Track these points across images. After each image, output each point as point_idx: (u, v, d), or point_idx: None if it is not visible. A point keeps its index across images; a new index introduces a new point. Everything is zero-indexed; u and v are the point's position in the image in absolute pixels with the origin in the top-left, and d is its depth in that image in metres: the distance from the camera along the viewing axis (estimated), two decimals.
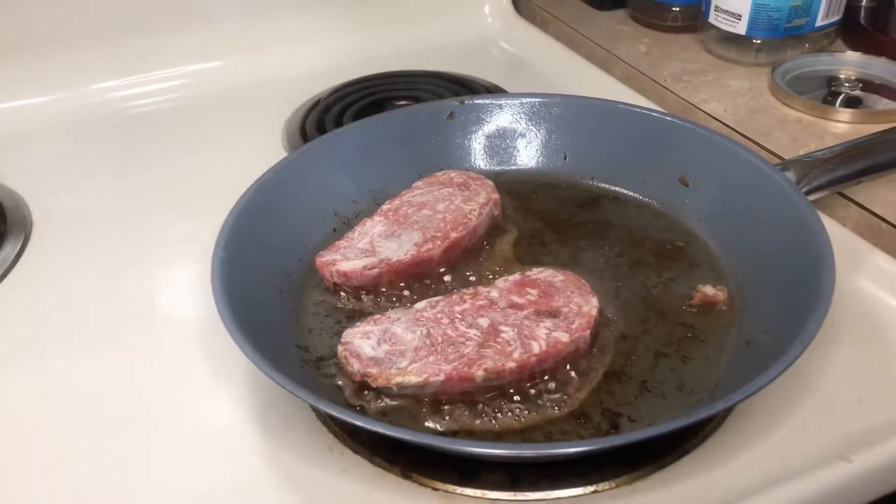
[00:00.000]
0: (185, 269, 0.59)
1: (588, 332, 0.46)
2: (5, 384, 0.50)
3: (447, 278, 0.54)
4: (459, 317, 0.47)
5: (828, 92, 0.73)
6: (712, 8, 0.77)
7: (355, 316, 0.51)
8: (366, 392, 0.44)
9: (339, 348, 0.46)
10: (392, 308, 0.51)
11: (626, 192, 0.61)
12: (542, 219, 0.59)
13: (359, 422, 0.38)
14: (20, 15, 0.78)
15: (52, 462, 0.45)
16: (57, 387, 0.50)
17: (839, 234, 0.55)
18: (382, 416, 0.43)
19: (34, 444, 0.46)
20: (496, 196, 0.58)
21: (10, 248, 0.62)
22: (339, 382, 0.46)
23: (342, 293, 0.52)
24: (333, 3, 0.90)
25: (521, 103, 0.64)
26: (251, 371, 0.47)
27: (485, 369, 0.43)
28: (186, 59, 0.86)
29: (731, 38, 0.78)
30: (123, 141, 0.77)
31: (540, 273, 0.50)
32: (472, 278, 0.54)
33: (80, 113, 0.80)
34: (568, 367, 0.46)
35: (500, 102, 0.64)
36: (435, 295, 0.52)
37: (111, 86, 0.83)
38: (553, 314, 0.47)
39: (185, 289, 0.57)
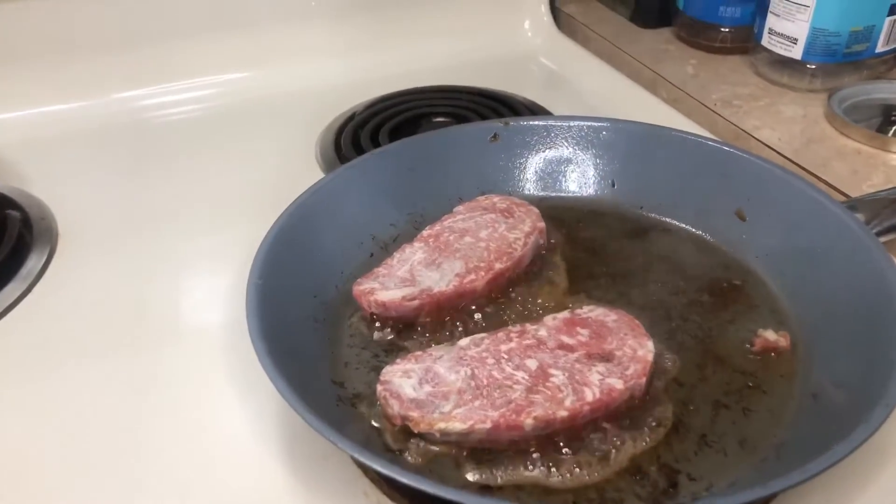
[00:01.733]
0: (213, 282, 0.58)
1: (644, 378, 0.43)
2: (31, 394, 0.49)
3: (490, 311, 0.51)
4: (506, 357, 0.44)
5: (883, 121, 0.70)
6: (766, 30, 0.74)
7: (393, 349, 0.48)
8: (406, 436, 0.42)
9: (379, 387, 0.43)
10: (432, 342, 0.49)
11: (677, 223, 0.58)
12: (589, 249, 0.56)
13: (400, 477, 0.35)
14: (49, 22, 0.77)
15: (72, 472, 0.44)
16: (81, 398, 0.48)
17: None
18: (424, 463, 0.41)
19: (56, 454, 0.45)
20: (542, 224, 0.55)
21: (37, 259, 0.60)
22: (377, 424, 0.43)
23: (380, 324, 0.50)
24: (369, 15, 0.88)
25: (569, 126, 0.61)
26: (282, 400, 0.45)
27: (534, 418, 0.40)
28: (218, 68, 0.84)
29: (784, 62, 0.75)
30: (151, 150, 0.75)
31: (591, 312, 0.47)
32: (518, 312, 0.51)
33: (107, 120, 0.79)
34: (621, 415, 0.43)
35: (546, 125, 0.62)
36: (477, 329, 0.50)
37: (140, 94, 0.81)
38: (606, 358, 0.44)
39: (212, 302, 0.56)
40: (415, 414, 0.41)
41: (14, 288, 0.57)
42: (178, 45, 0.82)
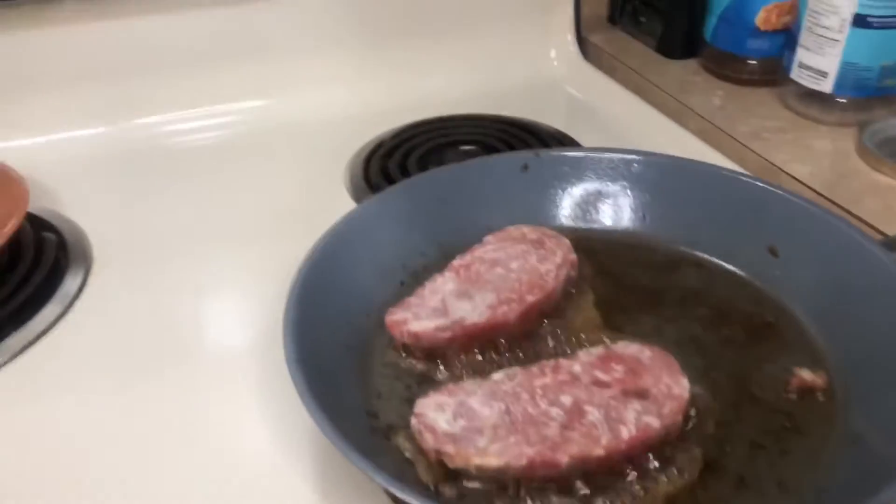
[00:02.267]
0: (246, 303, 0.58)
1: (680, 416, 0.43)
2: (70, 413, 0.49)
3: (522, 343, 0.51)
4: (540, 392, 0.44)
5: None
6: (795, 63, 0.75)
7: (425, 381, 0.48)
8: (441, 470, 0.42)
9: (413, 420, 0.43)
10: (464, 373, 0.49)
11: (709, 258, 0.57)
12: (620, 282, 0.56)
13: None
14: (77, 49, 0.78)
15: (108, 492, 0.44)
16: (116, 418, 0.49)
17: None
18: (459, 499, 0.40)
19: (92, 473, 0.45)
20: (573, 257, 0.55)
21: (73, 282, 0.61)
22: (410, 456, 0.43)
23: (411, 354, 0.50)
24: (395, 43, 0.89)
25: (600, 158, 0.61)
26: (314, 428, 0.45)
27: (570, 455, 0.40)
28: (245, 94, 0.85)
29: (813, 96, 0.75)
30: (179, 174, 0.76)
31: (626, 348, 0.47)
32: (550, 346, 0.51)
33: (136, 145, 0.79)
34: (657, 454, 0.42)
35: (577, 156, 0.62)
36: (509, 361, 0.50)
37: (167, 119, 0.82)
38: (641, 395, 0.44)
39: (245, 323, 0.56)
40: (450, 449, 0.41)
41: (52, 309, 0.58)
42: (206, 72, 0.83)
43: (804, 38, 0.73)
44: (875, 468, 0.38)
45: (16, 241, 0.62)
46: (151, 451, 0.47)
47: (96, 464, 0.46)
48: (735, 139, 0.74)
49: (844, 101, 0.73)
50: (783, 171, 0.68)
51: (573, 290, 0.55)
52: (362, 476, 0.42)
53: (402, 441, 0.44)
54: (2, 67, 0.75)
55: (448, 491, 0.41)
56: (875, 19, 0.68)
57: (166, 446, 0.47)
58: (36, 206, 0.68)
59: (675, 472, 0.42)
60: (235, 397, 0.50)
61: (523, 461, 0.40)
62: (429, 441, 0.42)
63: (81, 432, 0.48)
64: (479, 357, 0.50)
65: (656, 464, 0.42)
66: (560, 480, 0.41)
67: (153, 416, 0.49)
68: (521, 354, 0.50)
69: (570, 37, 0.95)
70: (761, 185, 0.57)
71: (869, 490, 0.35)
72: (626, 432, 0.41)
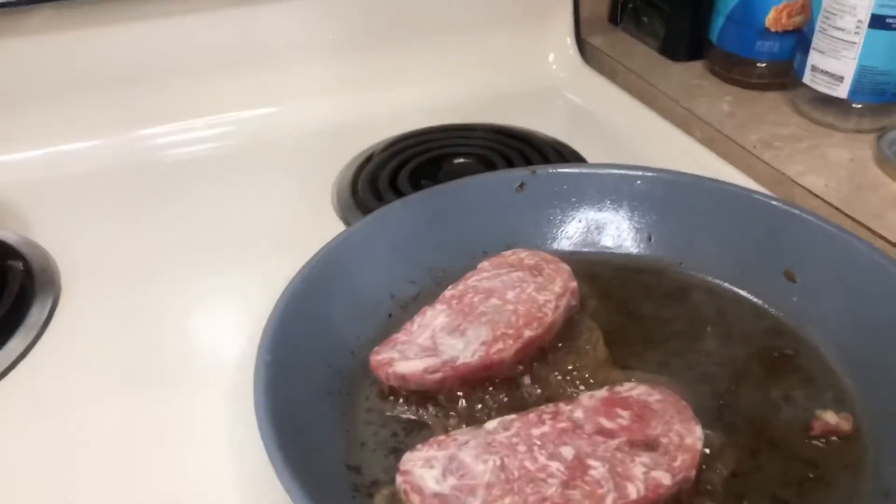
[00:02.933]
0: (222, 327, 0.55)
1: (693, 471, 0.39)
2: (41, 444, 0.47)
3: (519, 383, 0.47)
4: (538, 443, 0.40)
5: None
6: (808, 67, 0.70)
7: (414, 428, 0.44)
8: None
9: (399, 479, 0.39)
10: (456, 419, 0.45)
11: (720, 283, 0.53)
12: (624, 311, 0.52)
13: None
14: (55, 59, 0.74)
15: None
16: (90, 447, 0.46)
17: None
18: None
19: (65, 499, 0.43)
20: (574, 285, 0.51)
21: (40, 312, 0.57)
22: None
23: (398, 398, 0.46)
24: (388, 49, 0.84)
25: (601, 175, 0.57)
26: None
27: None
28: (230, 106, 0.81)
29: (827, 101, 0.70)
30: (160, 190, 0.72)
31: (631, 390, 0.43)
32: (549, 385, 0.47)
33: (116, 160, 0.75)
34: None
35: (576, 173, 0.58)
36: (506, 403, 0.46)
37: (149, 133, 0.78)
38: (650, 446, 0.40)
39: (222, 346, 0.53)
40: None
41: (18, 343, 0.54)
42: (189, 84, 0.79)
43: (817, 40, 0.68)
44: None
45: None
46: (127, 476, 0.44)
47: (71, 489, 0.44)
48: (744, 148, 0.70)
49: (860, 106, 0.68)
50: (797, 183, 0.64)
51: (573, 321, 0.51)
52: None
53: (386, 499, 0.40)
54: None
55: None
56: (894, 20, 0.63)
57: (141, 470, 0.44)
58: (1, 231, 0.65)
59: None
60: (214, 419, 0.47)
61: None
62: (415, 503, 0.38)
63: (49, 470, 0.45)
64: (472, 399, 0.46)
65: None
66: None
67: (127, 443, 0.46)
68: (518, 395, 0.46)
69: (570, 39, 0.90)
70: (776, 203, 0.52)
71: None
72: (634, 491, 0.37)
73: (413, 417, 0.45)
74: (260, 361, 0.41)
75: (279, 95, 0.82)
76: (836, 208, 0.60)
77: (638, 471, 0.38)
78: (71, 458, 0.46)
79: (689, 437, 0.40)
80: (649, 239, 0.56)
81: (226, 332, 0.55)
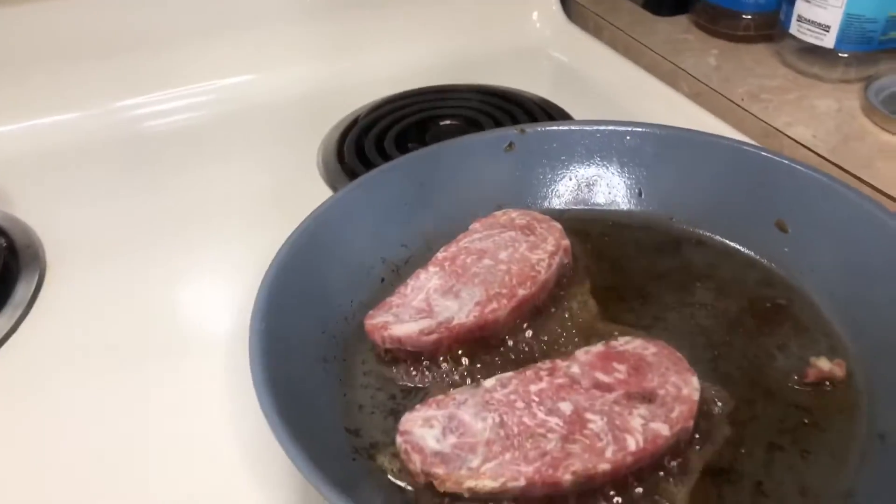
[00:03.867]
0: (212, 296, 0.55)
1: (691, 421, 0.39)
2: (32, 423, 0.47)
3: (515, 342, 0.47)
4: (536, 400, 0.40)
5: None
6: (794, 17, 0.70)
7: (411, 390, 0.44)
8: (431, 494, 0.38)
9: (399, 439, 0.39)
10: (453, 379, 0.45)
11: (711, 235, 0.53)
12: (616, 266, 0.52)
13: None
14: (35, 29, 0.72)
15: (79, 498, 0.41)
16: (82, 423, 0.46)
17: None
18: None
19: (60, 482, 0.43)
20: (566, 242, 0.51)
21: (25, 289, 0.57)
22: (397, 480, 0.39)
23: (395, 360, 0.46)
24: (369, 12, 0.83)
25: (590, 132, 0.57)
26: None
27: (573, 472, 0.36)
28: (213, 73, 0.79)
29: (813, 51, 0.70)
30: (144, 161, 0.71)
31: (627, 344, 0.43)
32: (545, 343, 0.47)
33: (97, 132, 0.74)
34: (666, 462, 0.39)
35: (564, 130, 0.57)
36: (502, 362, 0.46)
37: (132, 103, 0.77)
38: (647, 398, 0.40)
39: (212, 317, 0.53)
40: (440, 471, 0.37)
41: (4, 321, 0.54)
42: (171, 51, 0.77)
43: None
44: None
45: None
46: (120, 451, 0.44)
47: (63, 469, 0.43)
48: (732, 101, 0.69)
49: (847, 56, 0.68)
50: (785, 134, 0.64)
51: (567, 279, 0.51)
52: None
53: (386, 461, 0.40)
54: None
55: None
56: None
57: (135, 445, 0.44)
58: None
59: (688, 481, 0.38)
60: (207, 393, 0.47)
61: (521, 481, 0.36)
62: (416, 463, 0.38)
63: (45, 438, 0.45)
64: (469, 359, 0.46)
65: (668, 473, 0.38)
66: (562, 499, 0.37)
67: (117, 428, 0.46)
68: (513, 354, 0.46)
69: None
70: (766, 154, 0.52)
71: None
72: (633, 442, 0.38)
73: (409, 380, 0.45)
74: (253, 331, 0.41)
75: (259, 62, 0.80)
76: (825, 158, 0.60)
77: (636, 423, 0.39)
78: (63, 436, 0.45)
79: (685, 388, 0.40)
80: (640, 194, 0.56)
81: (216, 304, 0.55)
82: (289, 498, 0.41)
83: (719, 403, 0.42)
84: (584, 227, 0.55)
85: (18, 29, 0.72)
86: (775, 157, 0.52)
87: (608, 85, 0.78)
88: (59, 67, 0.74)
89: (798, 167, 0.51)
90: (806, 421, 0.41)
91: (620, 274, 0.52)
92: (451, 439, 0.39)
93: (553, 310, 0.49)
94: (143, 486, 0.42)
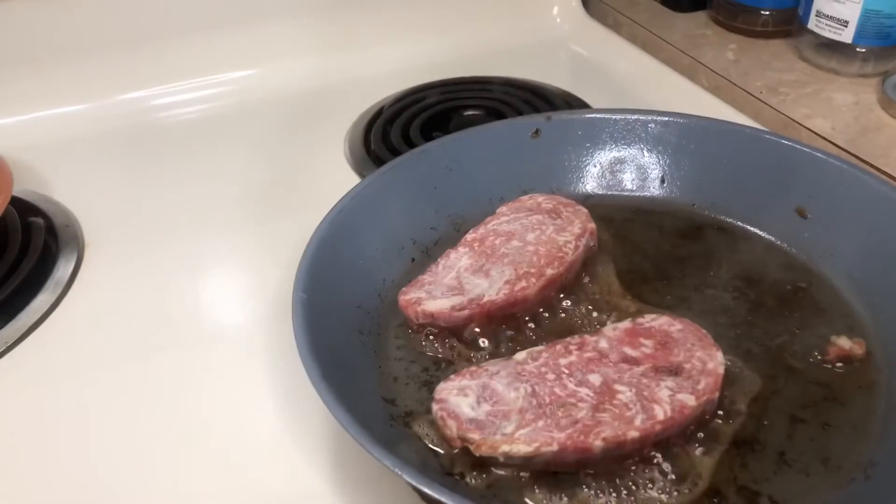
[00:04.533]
0: (245, 282, 0.56)
1: (716, 393, 0.41)
2: (70, 399, 0.48)
3: (543, 319, 0.48)
4: (567, 372, 0.42)
5: None
6: (813, 13, 0.71)
7: (443, 363, 0.46)
8: (466, 458, 0.39)
9: (434, 406, 0.41)
10: (483, 353, 0.46)
11: (732, 221, 0.55)
12: (640, 250, 0.54)
13: None
14: (57, 23, 0.74)
15: (110, 477, 0.43)
16: (118, 404, 0.47)
17: None
18: (487, 488, 0.38)
19: (94, 459, 0.44)
20: (592, 226, 0.53)
21: (65, 267, 0.58)
22: (433, 445, 0.41)
23: (427, 335, 0.47)
24: (390, 6, 0.85)
25: (614, 120, 0.58)
26: (325, 412, 0.43)
27: (604, 439, 0.38)
28: (239, 63, 0.81)
29: (831, 46, 0.71)
30: (171, 149, 0.73)
31: (654, 321, 0.45)
32: (572, 321, 0.48)
33: (122, 121, 0.76)
34: (692, 433, 0.40)
35: (590, 118, 0.59)
36: (530, 339, 0.47)
37: (159, 92, 0.79)
38: (674, 371, 0.41)
39: (246, 302, 0.54)
40: (475, 436, 0.39)
41: (43, 300, 0.55)
42: (193, 43, 0.79)
43: None
44: None
45: (1, 227, 0.59)
46: (153, 433, 0.45)
47: (99, 446, 0.45)
48: (751, 94, 0.71)
49: (865, 50, 0.69)
50: (804, 126, 0.65)
51: (593, 261, 0.52)
52: (380, 466, 0.41)
53: (422, 428, 0.41)
54: None
55: (474, 481, 0.39)
56: None
57: (171, 434, 0.45)
58: (21, 189, 0.65)
59: (713, 451, 0.40)
60: (241, 381, 0.48)
61: (554, 447, 0.38)
62: (452, 429, 0.39)
63: (82, 423, 0.46)
64: (498, 335, 0.47)
65: (694, 443, 0.40)
66: (593, 465, 0.39)
67: (157, 405, 0.47)
68: (542, 331, 0.48)
69: None
70: (786, 142, 0.54)
71: None
72: (661, 412, 0.39)
73: (441, 354, 0.46)
74: (296, 299, 0.42)
75: (286, 53, 0.82)
76: (843, 149, 0.61)
77: (664, 394, 0.40)
78: (109, 411, 0.47)
79: (710, 362, 0.42)
80: (662, 181, 0.57)
81: (252, 284, 0.56)
82: (326, 449, 0.43)
83: (742, 378, 0.43)
84: (609, 212, 0.56)
85: (42, 24, 0.74)
86: (795, 145, 0.53)
87: (628, 78, 0.80)
88: (78, 61, 0.76)
89: (818, 154, 0.52)
90: (827, 396, 0.42)
91: (644, 257, 0.53)
92: (486, 407, 0.40)
93: (579, 289, 0.50)
94: (188, 459, 0.44)
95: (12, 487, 0.43)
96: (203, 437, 0.45)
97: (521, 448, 0.38)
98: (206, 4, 0.78)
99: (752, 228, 0.54)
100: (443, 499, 0.33)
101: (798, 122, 0.66)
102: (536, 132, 0.58)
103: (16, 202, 0.62)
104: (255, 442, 0.44)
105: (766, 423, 0.41)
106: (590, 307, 0.49)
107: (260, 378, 0.48)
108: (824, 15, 0.70)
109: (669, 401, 0.40)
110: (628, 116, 0.58)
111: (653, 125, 0.58)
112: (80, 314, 0.54)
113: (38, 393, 0.48)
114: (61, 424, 0.46)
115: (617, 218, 0.56)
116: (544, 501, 0.38)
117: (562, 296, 0.50)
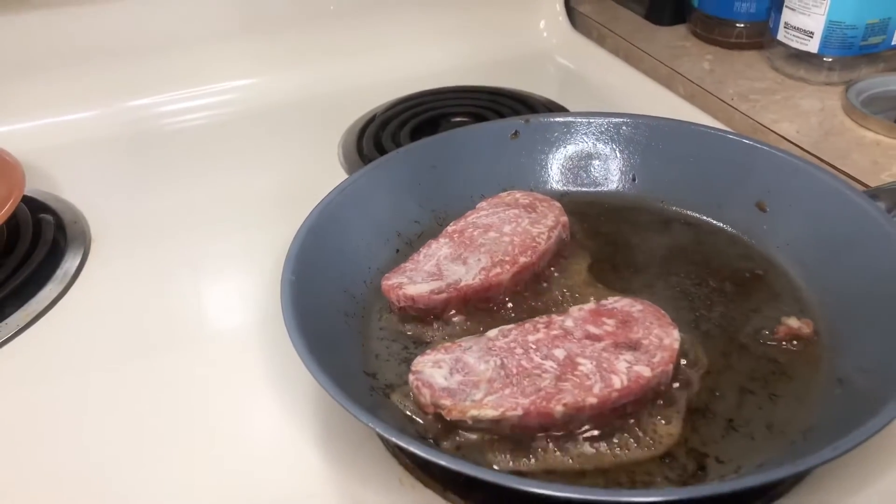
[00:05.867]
0: (244, 281, 0.59)
1: (671, 366, 0.44)
2: (69, 391, 0.50)
3: (516, 303, 0.52)
4: (534, 347, 0.45)
5: None
6: (781, 25, 0.75)
7: (422, 342, 0.49)
8: (438, 424, 0.43)
9: (411, 377, 0.44)
10: (459, 334, 0.50)
11: (698, 216, 0.58)
12: (611, 242, 0.57)
13: (439, 460, 0.36)
14: (70, 34, 0.79)
15: (111, 467, 0.45)
16: (117, 396, 0.50)
17: None
18: (456, 450, 0.42)
19: (93, 449, 0.46)
20: (565, 219, 0.56)
21: (72, 261, 0.62)
22: (410, 412, 0.44)
23: (408, 317, 0.51)
24: (386, 17, 0.89)
25: (589, 122, 0.62)
26: (316, 393, 0.47)
27: (564, 404, 0.41)
28: (236, 73, 0.86)
29: (799, 56, 0.75)
30: (173, 154, 0.77)
31: (616, 302, 0.48)
32: (543, 305, 0.52)
33: (128, 127, 0.80)
34: (649, 402, 0.44)
35: (566, 121, 0.63)
36: (504, 321, 0.51)
37: (160, 100, 0.83)
38: (632, 346, 0.45)
39: (244, 301, 0.57)
40: (447, 402, 0.42)
41: (51, 289, 0.59)
42: (196, 52, 0.84)
43: None
44: (859, 406, 0.39)
45: (14, 222, 0.63)
46: (154, 422, 0.48)
47: (96, 437, 0.47)
48: (724, 101, 0.74)
49: (830, 60, 0.73)
50: (771, 130, 0.69)
51: (565, 252, 0.56)
52: (363, 435, 0.44)
53: (400, 398, 0.45)
54: None
55: (446, 444, 0.42)
56: None
57: (169, 418, 0.48)
58: (32, 188, 0.69)
59: (667, 419, 0.43)
60: (237, 371, 0.51)
61: (518, 411, 0.41)
62: (426, 396, 0.43)
63: (82, 406, 0.49)
64: (474, 317, 0.51)
65: (650, 411, 0.43)
66: (555, 429, 0.42)
67: (154, 390, 0.50)
68: (515, 314, 0.51)
69: (559, 7, 0.95)
70: (748, 142, 0.57)
71: (853, 425, 0.36)
72: (618, 381, 0.42)
73: (421, 333, 0.50)
74: (285, 280, 0.46)
75: (280, 63, 0.86)
76: (807, 150, 0.65)
77: (622, 366, 0.43)
78: (98, 399, 0.49)
79: (667, 338, 0.45)
80: (634, 179, 0.61)
81: (247, 280, 0.59)
82: (315, 428, 0.46)
83: (698, 354, 0.47)
84: (583, 208, 0.60)
85: (53, 34, 0.78)
86: (756, 144, 0.57)
87: (610, 88, 0.84)
88: (86, 69, 0.80)
89: (776, 152, 0.56)
90: (775, 371, 0.46)
91: (614, 249, 0.57)
92: (458, 377, 0.44)
93: (551, 277, 0.54)
94: (180, 442, 0.46)
95: (11, 461, 0.45)
96: (200, 419, 0.48)
97: (489, 412, 0.41)
98: (207, 18, 0.83)
99: (715, 222, 0.58)
100: (419, 452, 0.36)
101: (766, 127, 0.69)
102: (515, 133, 0.62)
103: (28, 201, 0.67)
104: (251, 426, 0.47)
105: (717, 394, 0.44)
106: (560, 293, 0.53)
107: (254, 367, 0.50)
108: (791, 26, 0.74)
109: (626, 372, 0.43)
110: (601, 119, 0.62)
111: (624, 127, 0.61)
112: (85, 304, 0.58)
113: (41, 377, 0.51)
114: (64, 409, 0.49)
115: (590, 213, 0.60)
116: (509, 461, 0.41)
117: (535, 282, 0.53)
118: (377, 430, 0.37)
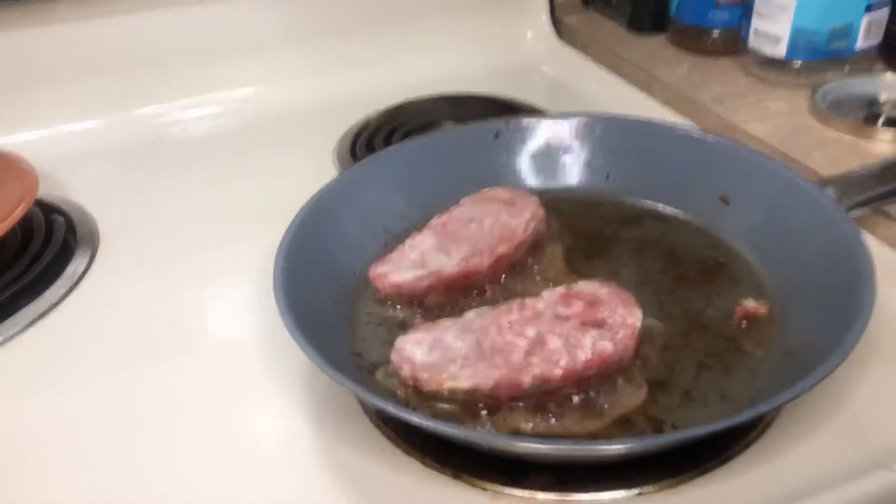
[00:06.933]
0: (245, 286, 0.61)
1: (633, 342, 0.48)
2: (69, 396, 0.52)
3: (494, 289, 0.56)
4: (507, 326, 0.49)
5: (868, 113, 0.74)
6: (752, 32, 0.79)
7: (406, 326, 0.53)
8: (418, 396, 0.46)
9: (393, 354, 0.48)
10: (442, 318, 0.53)
11: (667, 210, 0.62)
12: (585, 236, 0.61)
13: (414, 417, 0.40)
14: (81, 46, 0.83)
15: (112, 468, 0.47)
16: (118, 398, 0.52)
17: (883, 254, 0.57)
18: (432, 416, 0.45)
19: (93, 450, 0.48)
20: (541, 212, 0.60)
21: (80, 261, 0.65)
22: (392, 388, 0.48)
23: (393, 303, 0.55)
24: (379, 29, 0.94)
25: (565, 123, 0.66)
26: (308, 380, 0.50)
27: (532, 376, 0.45)
28: (234, 84, 0.89)
29: (770, 62, 0.79)
30: (176, 162, 0.80)
31: (585, 286, 0.52)
32: (519, 290, 0.55)
33: (134, 136, 0.84)
34: (613, 376, 0.47)
35: (544, 122, 0.67)
36: (482, 305, 0.54)
37: (162, 109, 0.87)
38: (598, 325, 0.48)
39: (246, 305, 0.59)
40: (425, 375, 0.46)
41: (59, 287, 0.62)
42: (197, 63, 0.87)
43: (758, 6, 0.77)
44: (802, 374, 0.42)
45: (27, 223, 0.67)
46: (154, 423, 0.50)
47: (96, 437, 0.49)
48: (698, 104, 0.78)
49: (798, 64, 0.77)
50: (742, 129, 0.73)
51: (542, 243, 0.60)
52: (353, 419, 0.48)
53: (383, 375, 0.49)
54: (9, 65, 0.80)
55: (422, 411, 0.46)
56: None
57: (169, 418, 0.50)
58: (45, 192, 0.73)
59: (629, 391, 0.47)
60: (237, 373, 0.53)
61: (490, 382, 0.45)
62: (406, 370, 0.47)
63: (82, 408, 0.51)
64: (454, 303, 0.55)
65: (613, 384, 0.47)
66: (525, 399, 0.46)
67: (155, 387, 0.52)
68: (494, 300, 0.55)
69: (545, 18, 1.00)
70: (711, 138, 0.61)
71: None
72: (583, 355, 0.46)
73: (405, 318, 0.54)
74: (277, 266, 0.50)
75: (278, 74, 0.91)
76: (773, 147, 0.69)
77: (587, 342, 0.47)
78: (102, 393, 0.51)
79: (630, 317, 0.49)
80: (607, 177, 0.65)
81: (248, 287, 0.60)
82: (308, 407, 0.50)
83: (660, 333, 0.50)
84: (559, 203, 0.64)
85: (64, 46, 0.82)
86: (718, 140, 0.61)
87: (593, 95, 0.88)
88: (95, 79, 0.84)
89: (736, 147, 0.60)
90: (732, 347, 0.49)
91: (587, 240, 0.60)
92: (436, 354, 0.47)
93: (528, 265, 0.58)
94: (180, 442, 0.48)
95: (16, 456, 0.48)
96: (200, 415, 0.50)
97: (463, 383, 0.45)
98: (213, 31, 0.87)
99: (683, 215, 0.61)
100: (396, 412, 0.40)
101: (737, 126, 0.73)
102: (497, 135, 0.66)
103: (40, 204, 0.71)
104: (245, 409, 0.50)
105: (676, 368, 0.48)
106: (535, 280, 0.56)
107: (254, 368, 0.52)
108: (761, 33, 0.78)
109: (591, 347, 0.47)
110: (577, 119, 0.66)
111: (599, 128, 0.66)
112: (91, 303, 0.61)
113: (48, 370, 0.54)
114: (68, 399, 0.51)
115: (566, 209, 0.64)
116: (481, 427, 0.45)
117: (512, 270, 0.57)
118: (357, 393, 0.41)
